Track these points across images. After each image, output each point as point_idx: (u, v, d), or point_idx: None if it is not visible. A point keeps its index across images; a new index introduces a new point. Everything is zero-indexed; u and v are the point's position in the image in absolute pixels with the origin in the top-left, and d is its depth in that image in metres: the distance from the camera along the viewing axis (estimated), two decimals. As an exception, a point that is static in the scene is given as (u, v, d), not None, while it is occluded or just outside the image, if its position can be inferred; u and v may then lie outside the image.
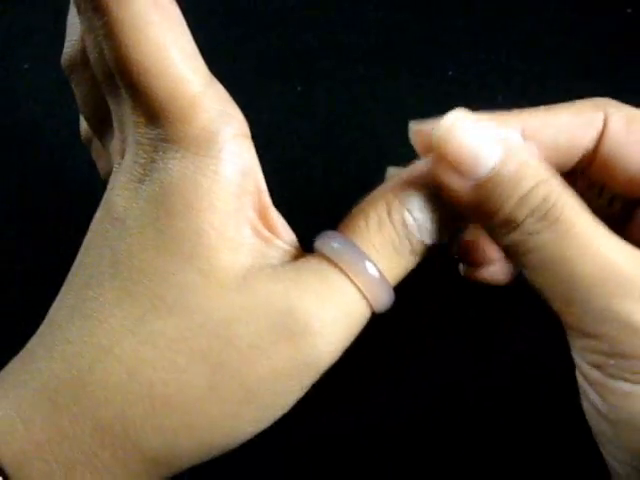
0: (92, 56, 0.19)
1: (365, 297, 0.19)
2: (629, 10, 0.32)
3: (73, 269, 0.19)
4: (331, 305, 0.18)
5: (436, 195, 0.19)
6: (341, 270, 0.18)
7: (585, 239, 0.17)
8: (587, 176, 0.22)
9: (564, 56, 0.31)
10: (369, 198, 0.20)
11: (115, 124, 0.20)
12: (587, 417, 0.19)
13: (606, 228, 0.18)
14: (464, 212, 0.19)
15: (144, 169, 0.18)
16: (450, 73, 0.32)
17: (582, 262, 0.17)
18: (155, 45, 0.17)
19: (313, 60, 0.32)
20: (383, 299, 0.19)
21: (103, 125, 0.21)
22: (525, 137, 0.20)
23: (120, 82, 0.18)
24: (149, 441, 0.17)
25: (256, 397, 0.18)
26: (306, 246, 0.20)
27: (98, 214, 0.20)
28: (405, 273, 0.20)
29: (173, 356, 0.17)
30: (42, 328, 0.19)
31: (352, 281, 0.18)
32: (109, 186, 0.19)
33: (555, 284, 0.18)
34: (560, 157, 0.21)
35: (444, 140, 0.18)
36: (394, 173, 0.23)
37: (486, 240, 0.24)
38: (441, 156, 0.18)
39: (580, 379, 0.19)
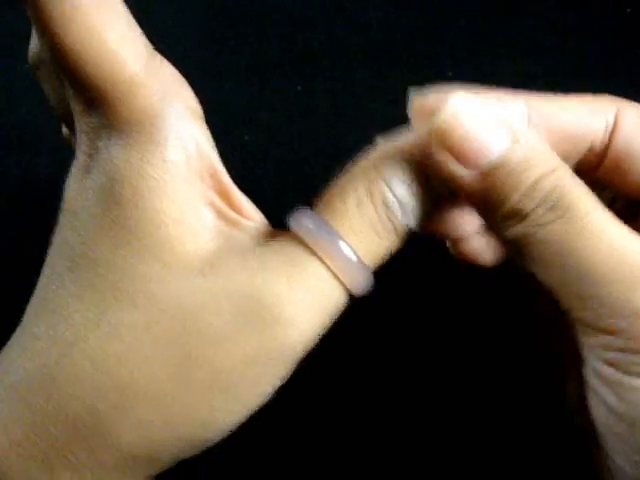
0: (43, 50, 0.18)
1: (340, 281, 0.18)
2: (629, 10, 0.32)
3: (43, 266, 0.19)
4: (302, 290, 0.17)
5: (423, 172, 0.18)
6: (314, 252, 0.17)
7: (599, 229, 0.16)
8: (591, 176, 0.21)
9: (564, 56, 0.31)
10: (349, 174, 0.19)
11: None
12: (595, 417, 0.18)
13: (616, 218, 0.17)
14: (467, 201, 0.18)
15: (90, 158, 0.18)
16: (450, 74, 0.32)
17: (597, 254, 0.16)
18: (85, 29, 0.16)
19: (313, 60, 0.32)
20: (360, 283, 0.18)
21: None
22: (531, 122, 0.19)
23: (60, 72, 0.17)
24: (123, 435, 0.17)
25: (228, 386, 0.17)
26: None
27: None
28: (387, 254, 0.19)
29: (138, 347, 0.17)
30: (19, 326, 0.18)
31: (326, 264, 0.17)
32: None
33: (567, 279, 0.17)
34: (566, 148, 0.19)
35: (447, 129, 0.17)
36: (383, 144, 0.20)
37: (457, 212, 0.22)
38: (443, 145, 0.17)
39: (591, 378, 0.18)
